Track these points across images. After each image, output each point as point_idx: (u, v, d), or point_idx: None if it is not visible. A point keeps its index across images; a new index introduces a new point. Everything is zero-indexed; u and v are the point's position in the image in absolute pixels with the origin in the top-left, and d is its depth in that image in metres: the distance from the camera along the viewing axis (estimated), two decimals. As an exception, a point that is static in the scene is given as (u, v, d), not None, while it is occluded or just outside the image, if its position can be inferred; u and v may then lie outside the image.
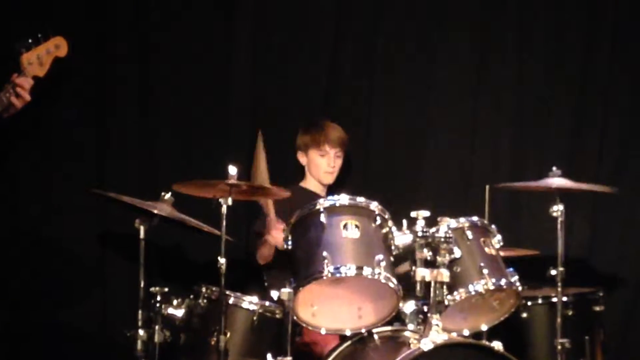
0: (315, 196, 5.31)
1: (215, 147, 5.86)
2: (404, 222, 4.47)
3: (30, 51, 4.56)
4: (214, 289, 4.67)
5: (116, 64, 5.87)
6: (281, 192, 4.80)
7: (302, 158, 5.51)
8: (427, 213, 4.42)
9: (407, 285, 4.39)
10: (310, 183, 5.51)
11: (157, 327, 4.73)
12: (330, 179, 5.47)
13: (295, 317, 4.38)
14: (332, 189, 5.45)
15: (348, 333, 4.50)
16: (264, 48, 5.97)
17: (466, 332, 4.60)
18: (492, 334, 4.64)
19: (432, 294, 4.31)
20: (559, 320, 4.89)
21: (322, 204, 4.45)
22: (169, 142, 5.90)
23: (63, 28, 5.55)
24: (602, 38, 5.86)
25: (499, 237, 4.66)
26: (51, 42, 4.65)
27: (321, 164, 5.45)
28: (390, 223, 4.46)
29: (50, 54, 4.63)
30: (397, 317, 4.56)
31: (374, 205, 4.46)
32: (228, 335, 4.51)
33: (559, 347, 4.88)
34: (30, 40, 4.57)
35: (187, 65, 5.90)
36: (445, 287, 4.32)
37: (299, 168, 5.57)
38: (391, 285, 4.32)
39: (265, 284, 5.28)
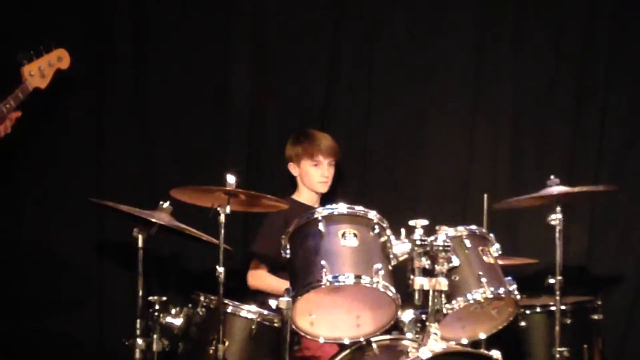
0: (309, 209, 5.31)
1: (213, 155, 5.86)
2: (403, 230, 4.47)
3: (32, 62, 4.55)
4: (212, 297, 4.67)
5: (114, 72, 5.87)
6: (279, 203, 4.81)
7: (293, 169, 5.51)
8: (425, 222, 4.41)
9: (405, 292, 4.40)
10: (303, 195, 5.51)
11: (155, 336, 4.72)
12: (325, 188, 5.47)
13: (293, 326, 4.37)
14: (329, 198, 5.45)
15: (346, 342, 4.48)
16: (262, 56, 5.97)
17: (465, 341, 4.58)
18: (491, 342, 4.64)
19: (430, 303, 4.29)
20: (557, 328, 4.89)
21: (321, 212, 4.43)
22: (167, 150, 5.90)
23: (61, 35, 5.61)
24: (600, 43, 5.86)
25: (497, 245, 4.65)
26: (53, 54, 4.65)
27: (314, 174, 5.45)
28: (388, 232, 4.45)
29: (52, 66, 4.63)
30: (396, 326, 4.55)
31: (373, 214, 4.45)
32: (226, 344, 4.53)
33: (558, 355, 4.88)
34: (32, 52, 4.56)
35: (185, 73, 5.91)
36: (443, 295, 4.31)
37: (292, 179, 5.57)
38: (389, 294, 4.31)
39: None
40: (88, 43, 5.79)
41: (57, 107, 5.55)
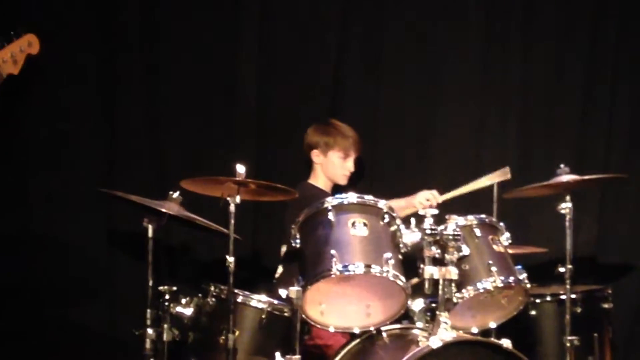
0: (325, 194, 5.31)
1: (222, 146, 5.86)
2: (412, 220, 4.47)
3: (4, 49, 4.56)
4: (222, 287, 4.67)
5: (125, 64, 5.87)
6: (289, 193, 4.80)
7: (317, 157, 5.48)
8: (435, 211, 4.42)
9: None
10: (319, 181, 5.50)
11: (165, 325, 4.73)
12: (345, 181, 5.48)
13: (303, 316, 4.38)
14: (339, 188, 5.44)
15: (356, 331, 4.50)
16: (269, 48, 5.96)
17: (475, 330, 4.60)
18: (501, 331, 4.64)
19: (440, 292, 4.31)
20: (567, 317, 4.89)
21: (330, 202, 4.44)
22: (177, 141, 5.89)
23: (71, 31, 5.62)
24: (609, 31, 5.86)
25: (507, 234, 4.66)
26: (24, 39, 4.65)
27: (341, 166, 5.44)
28: (398, 221, 4.45)
29: (23, 52, 4.64)
30: (406, 315, 4.56)
31: (382, 203, 4.45)
32: (237, 333, 4.52)
33: (568, 344, 4.88)
34: (1, 38, 4.57)
35: (193, 66, 5.90)
36: (453, 284, 4.33)
37: (305, 166, 5.56)
38: (399, 283, 4.31)
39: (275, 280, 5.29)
40: (99, 37, 5.79)
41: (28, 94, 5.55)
